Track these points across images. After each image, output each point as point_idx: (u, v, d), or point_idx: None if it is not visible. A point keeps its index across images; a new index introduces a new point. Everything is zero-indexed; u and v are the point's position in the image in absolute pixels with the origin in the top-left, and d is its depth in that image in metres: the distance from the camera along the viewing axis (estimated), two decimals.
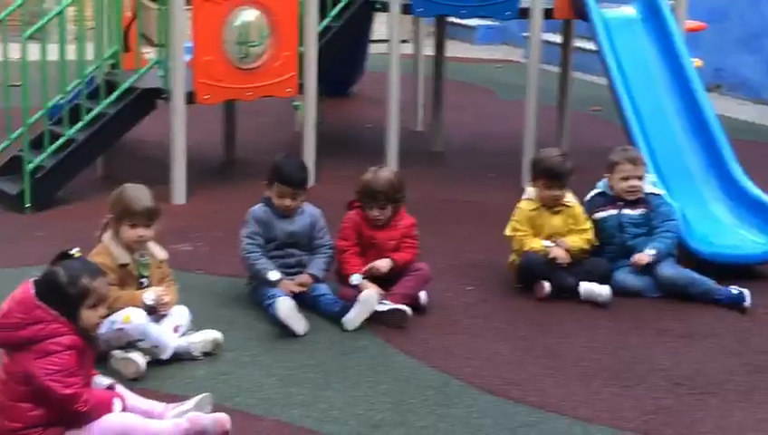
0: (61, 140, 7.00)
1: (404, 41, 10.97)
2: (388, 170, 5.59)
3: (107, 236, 4.69)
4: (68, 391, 3.68)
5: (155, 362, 4.59)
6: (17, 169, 6.95)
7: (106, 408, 3.82)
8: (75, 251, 3.87)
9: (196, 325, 4.87)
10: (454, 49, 16.46)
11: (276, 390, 4.45)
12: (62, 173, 6.96)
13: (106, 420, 3.80)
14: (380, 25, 11.29)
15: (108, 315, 4.11)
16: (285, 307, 4.96)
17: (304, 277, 5.28)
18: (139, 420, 3.88)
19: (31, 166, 6.83)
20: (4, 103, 7.02)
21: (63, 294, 3.74)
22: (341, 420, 4.18)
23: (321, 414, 4.23)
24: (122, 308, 4.52)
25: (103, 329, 4.31)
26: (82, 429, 3.77)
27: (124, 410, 3.89)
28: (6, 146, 7.19)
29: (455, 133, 9.86)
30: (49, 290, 3.74)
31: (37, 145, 7.02)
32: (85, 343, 3.79)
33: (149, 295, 4.66)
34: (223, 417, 3.99)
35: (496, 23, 15.45)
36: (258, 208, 5.39)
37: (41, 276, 3.80)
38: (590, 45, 8.46)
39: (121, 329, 4.49)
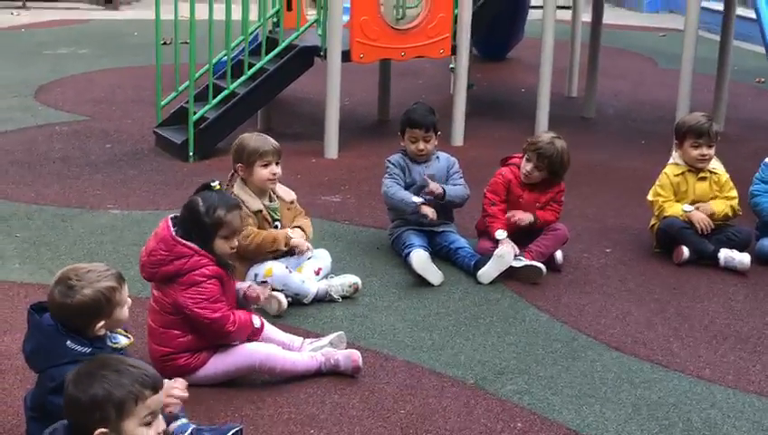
0: (223, 93, 7.39)
1: (565, 7, 11.00)
2: (564, 145, 5.60)
3: (236, 187, 4.95)
4: (216, 314, 3.98)
5: (297, 302, 4.86)
6: (183, 121, 7.37)
7: (249, 326, 4.11)
8: (216, 183, 4.15)
9: (339, 271, 5.13)
10: (619, 16, 16.28)
11: (408, 334, 4.65)
12: (223, 124, 7.34)
13: (249, 347, 4.10)
14: None
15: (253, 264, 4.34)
16: (419, 259, 5.15)
17: (434, 185, 5.43)
18: (279, 350, 4.15)
19: (195, 117, 7.25)
20: (173, 59, 7.44)
21: (200, 223, 4.01)
22: (467, 365, 4.35)
23: (449, 359, 4.41)
24: (267, 250, 4.80)
25: (247, 282, 4.60)
26: (228, 353, 4.07)
27: (262, 325, 4.17)
28: (173, 98, 7.63)
29: (609, 100, 9.82)
30: (187, 219, 4.03)
31: (202, 98, 7.43)
32: (225, 271, 4.07)
33: (294, 233, 4.91)
34: (355, 353, 4.23)
35: None
36: (395, 155, 5.61)
37: (183, 207, 4.09)
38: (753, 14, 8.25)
39: (264, 281, 4.77)
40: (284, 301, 4.77)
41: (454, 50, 7.85)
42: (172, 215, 4.11)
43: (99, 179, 6.81)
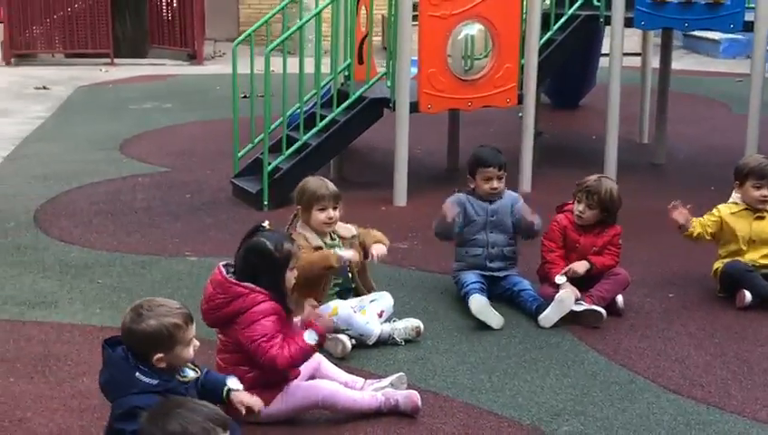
0: (296, 145, 7.66)
1: (636, 54, 11.08)
2: (613, 183, 5.75)
3: (299, 226, 5.19)
4: (272, 353, 4.14)
5: (360, 345, 5.03)
6: (258, 171, 7.65)
7: (305, 351, 4.22)
8: (266, 224, 4.37)
9: (403, 315, 5.29)
10: (696, 63, 16.25)
11: (468, 376, 4.78)
12: (296, 174, 7.55)
13: (315, 384, 4.29)
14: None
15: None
16: (478, 304, 5.29)
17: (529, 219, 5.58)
18: (341, 388, 4.33)
19: (270, 167, 7.53)
20: (249, 112, 7.74)
21: (271, 261, 4.23)
22: (524, 407, 4.46)
23: (507, 400, 4.53)
24: (319, 267, 4.99)
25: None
26: (293, 390, 4.26)
27: (322, 339, 4.32)
28: (249, 150, 7.92)
29: (680, 146, 9.84)
30: (254, 260, 4.24)
31: (276, 149, 7.72)
32: (282, 307, 4.27)
33: (342, 251, 5.09)
34: (414, 394, 4.38)
35: (740, 36, 15.08)
36: (455, 195, 5.78)
37: (243, 251, 4.29)
38: None
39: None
40: (348, 343, 4.95)
41: (521, 99, 8.01)
42: (223, 262, 4.33)
43: (178, 228, 7.11)
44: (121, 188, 8.20)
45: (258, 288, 4.22)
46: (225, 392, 3.87)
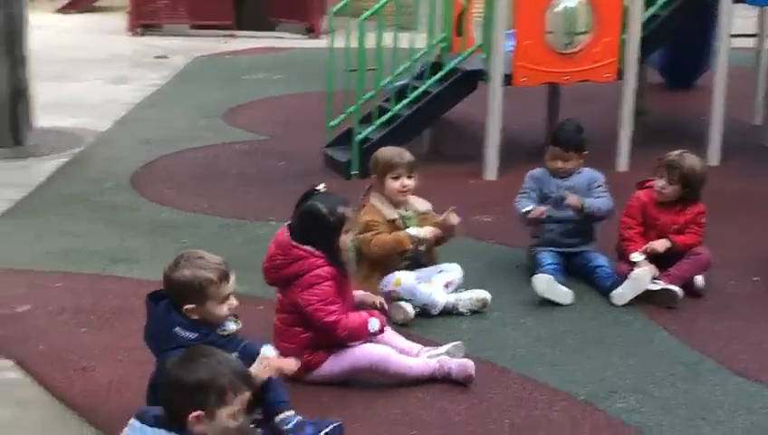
0: (387, 115, 7.67)
1: (752, 35, 10.65)
2: (697, 159, 5.57)
3: (373, 198, 5.16)
4: (329, 318, 4.20)
5: (424, 314, 5.02)
6: (350, 141, 7.69)
7: (363, 331, 4.29)
8: (321, 187, 4.38)
9: (473, 286, 5.24)
10: None
11: (530, 349, 4.72)
12: (386, 145, 7.57)
13: (367, 348, 4.30)
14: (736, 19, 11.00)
15: None
16: (541, 283, 5.21)
17: (573, 198, 5.44)
18: (394, 353, 4.33)
19: (359, 137, 7.55)
20: (344, 86, 7.78)
21: (325, 224, 4.25)
22: (582, 383, 4.38)
23: (565, 375, 4.46)
24: (393, 251, 4.99)
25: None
26: (345, 353, 4.29)
27: (382, 328, 4.34)
28: (342, 120, 7.97)
29: None
30: (309, 223, 4.26)
31: (368, 121, 7.73)
32: (340, 271, 4.29)
33: (413, 230, 5.06)
34: (468, 362, 4.35)
35: None
36: (538, 169, 5.68)
37: (299, 214, 4.33)
38: None
39: (393, 290, 4.96)
40: (410, 310, 4.94)
41: (621, 74, 7.81)
42: (288, 223, 4.37)
43: (266, 194, 7.21)
44: (219, 154, 8.37)
45: (317, 252, 4.25)
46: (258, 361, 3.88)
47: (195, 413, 2.86)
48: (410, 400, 4.20)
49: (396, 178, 5.12)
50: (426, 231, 5.08)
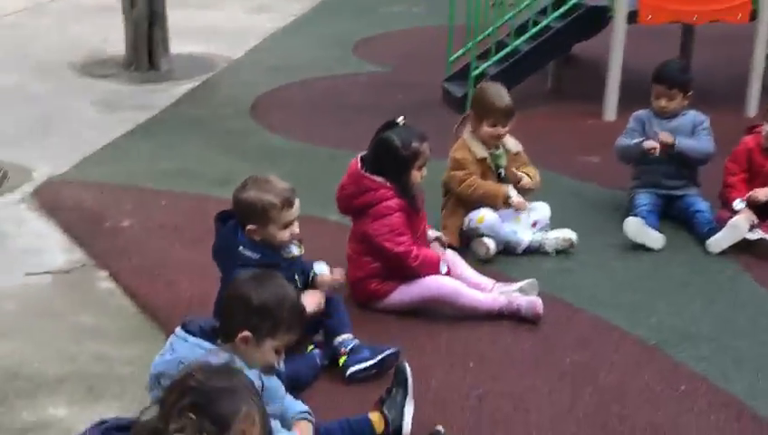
0: (505, 50, 7.58)
1: None
2: None
3: (466, 133, 5.12)
4: (399, 248, 4.26)
5: (508, 250, 5.01)
6: (466, 76, 7.65)
7: (434, 267, 4.33)
8: (400, 119, 4.39)
9: (566, 226, 5.16)
10: None
11: (610, 292, 4.65)
12: (503, 80, 7.45)
13: (436, 280, 4.33)
14: None
15: None
16: (633, 227, 5.09)
17: (664, 135, 5.29)
18: (463, 287, 4.36)
19: (476, 72, 7.50)
20: (466, 21, 7.72)
21: (397, 157, 4.27)
22: (656, 328, 4.30)
23: (639, 319, 4.38)
24: (484, 198, 4.97)
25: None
26: (414, 283, 4.33)
27: (448, 273, 4.38)
28: (462, 54, 7.92)
29: None
30: (381, 155, 4.29)
31: (487, 57, 7.67)
32: (409, 204, 4.31)
33: (513, 193, 5.03)
34: (537, 300, 4.34)
35: None
36: (641, 110, 5.53)
37: (374, 144, 4.37)
38: None
39: (476, 227, 4.96)
40: (492, 247, 4.93)
41: (754, 15, 7.46)
42: (363, 153, 4.42)
43: (378, 125, 7.26)
44: (340, 85, 8.47)
45: (387, 184, 4.30)
46: (311, 277, 3.99)
47: (245, 333, 2.97)
48: (475, 334, 4.22)
49: (493, 124, 5.06)
50: (520, 203, 5.03)
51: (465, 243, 5.03)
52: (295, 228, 3.80)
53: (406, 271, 4.31)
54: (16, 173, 6.16)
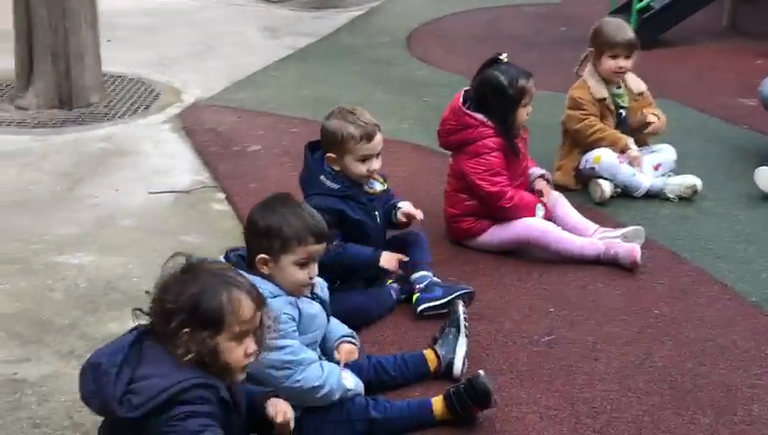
0: None
1: None
2: None
3: (587, 71, 4.92)
4: (493, 188, 4.19)
5: (626, 193, 4.83)
6: (629, 10, 7.34)
7: (529, 210, 4.25)
8: (504, 56, 4.26)
9: (698, 172, 4.93)
10: None
11: (724, 244, 4.41)
12: (668, 16, 7.19)
13: (528, 221, 4.24)
14: None
15: None
16: (763, 177, 4.78)
17: None
18: (557, 229, 4.24)
19: (640, 5, 7.19)
20: None
21: (503, 94, 4.17)
22: (762, 285, 4.05)
23: (747, 274, 4.14)
24: (604, 142, 4.80)
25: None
26: (507, 224, 4.25)
27: (546, 216, 4.28)
28: None
29: None
30: (487, 92, 4.21)
31: None
32: (509, 143, 4.22)
33: (634, 146, 4.82)
34: (635, 249, 4.16)
35: None
36: None
37: (478, 81, 4.28)
38: None
39: (593, 168, 4.79)
40: (608, 190, 4.77)
41: None
42: (465, 88, 4.34)
43: (533, 59, 7.02)
44: (503, 16, 8.33)
45: (489, 122, 4.22)
46: (394, 213, 3.96)
47: (260, 256, 3.04)
48: (565, 278, 4.11)
49: (613, 57, 4.86)
50: (638, 157, 4.82)
51: (583, 184, 4.90)
52: (374, 164, 3.78)
53: (498, 212, 4.24)
54: (167, 94, 6.45)
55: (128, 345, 2.49)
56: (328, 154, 3.77)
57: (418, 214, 3.95)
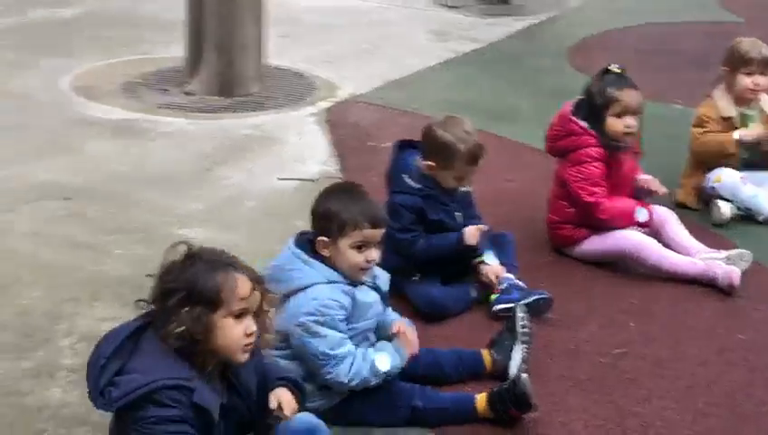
0: None
1: None
2: None
3: (718, 89, 4.79)
4: (590, 198, 4.18)
5: (748, 217, 4.68)
6: None
7: (626, 217, 4.20)
8: (614, 67, 4.22)
9: None
10: None
11: None
12: None
13: (625, 233, 4.21)
14: None
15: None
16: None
17: None
18: (655, 245, 4.18)
19: None
20: None
21: (592, 102, 4.18)
22: None
23: None
24: (715, 151, 4.69)
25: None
26: (605, 235, 4.24)
27: (646, 224, 4.23)
28: None
29: None
30: (585, 99, 4.21)
31: None
32: (611, 154, 4.19)
33: (739, 132, 4.68)
34: (734, 272, 4.06)
35: None
36: None
37: (583, 89, 4.27)
38: None
39: (713, 188, 4.68)
40: (727, 211, 4.66)
41: None
42: (579, 96, 4.35)
43: (692, 77, 6.92)
44: (678, 33, 8.15)
45: (591, 131, 4.21)
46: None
47: (319, 238, 3.19)
48: (657, 294, 4.06)
49: (749, 74, 4.72)
50: (755, 133, 4.66)
51: (704, 204, 4.79)
52: (467, 183, 3.88)
53: (595, 221, 4.22)
54: (324, 89, 6.72)
55: (125, 336, 2.55)
56: (428, 162, 3.86)
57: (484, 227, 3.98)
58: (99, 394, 2.47)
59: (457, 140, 3.81)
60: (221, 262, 2.60)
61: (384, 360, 3.16)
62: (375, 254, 3.21)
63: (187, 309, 2.51)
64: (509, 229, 4.38)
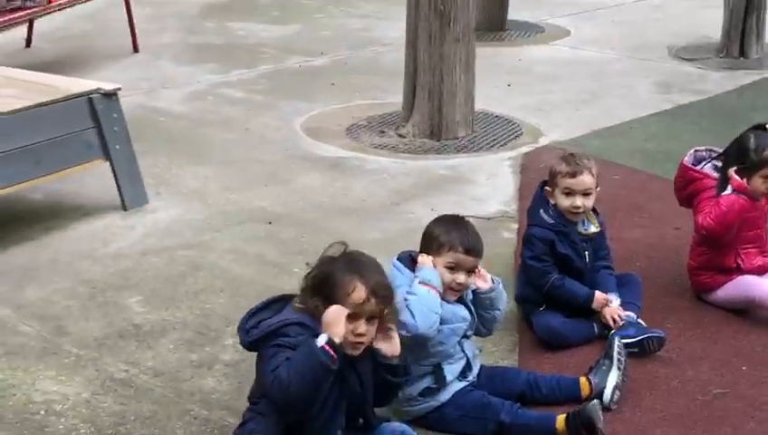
0: None
1: None
2: None
3: None
4: (699, 218, 4.34)
5: None
6: None
7: (731, 211, 4.27)
8: None
9: None
10: None
11: None
12: None
13: (753, 280, 4.33)
14: None
15: None
16: None
17: None
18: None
19: None
20: None
21: (745, 156, 4.30)
22: None
23: None
24: None
25: None
26: (735, 281, 4.37)
27: None
28: None
29: None
30: (734, 149, 4.36)
31: None
32: (751, 203, 4.29)
33: None
34: None
35: None
36: None
37: (735, 139, 4.42)
38: None
39: None
40: None
41: None
42: (696, 148, 4.50)
43: None
44: None
45: (711, 174, 4.36)
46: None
47: (422, 255, 3.62)
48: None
49: None
50: None
51: None
52: (577, 200, 4.15)
53: (730, 262, 4.36)
54: (528, 135, 7.08)
55: (273, 299, 3.25)
56: (546, 187, 4.22)
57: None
58: (245, 332, 3.13)
59: (560, 161, 4.23)
60: (353, 268, 3.12)
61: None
62: (464, 278, 3.60)
63: (311, 296, 3.11)
64: (659, 274, 4.62)
